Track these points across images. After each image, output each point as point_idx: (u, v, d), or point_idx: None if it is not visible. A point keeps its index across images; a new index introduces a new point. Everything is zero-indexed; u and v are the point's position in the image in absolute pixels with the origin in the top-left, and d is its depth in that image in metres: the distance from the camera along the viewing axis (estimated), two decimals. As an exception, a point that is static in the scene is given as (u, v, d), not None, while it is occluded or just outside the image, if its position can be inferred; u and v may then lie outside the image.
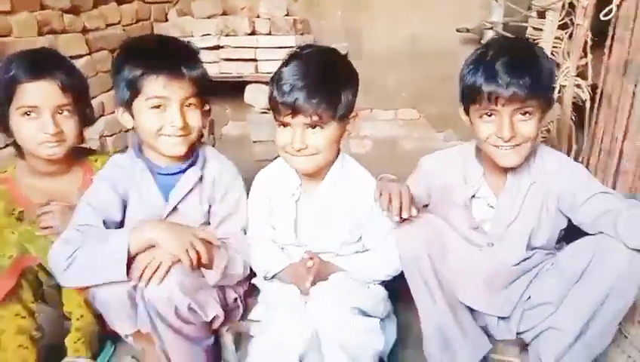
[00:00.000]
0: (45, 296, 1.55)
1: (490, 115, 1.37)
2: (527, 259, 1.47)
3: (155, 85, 1.30)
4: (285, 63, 1.35)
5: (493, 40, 2.07)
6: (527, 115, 1.34)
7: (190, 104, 1.36)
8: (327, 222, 1.48)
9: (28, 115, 1.42)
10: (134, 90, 1.33)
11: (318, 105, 1.28)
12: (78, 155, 1.61)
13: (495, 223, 1.48)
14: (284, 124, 1.34)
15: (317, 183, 1.47)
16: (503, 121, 1.33)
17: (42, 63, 1.43)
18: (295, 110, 1.28)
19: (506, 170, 1.46)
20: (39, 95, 1.41)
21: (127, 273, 1.24)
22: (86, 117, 1.56)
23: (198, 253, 1.27)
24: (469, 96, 1.39)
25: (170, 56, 1.33)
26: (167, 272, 1.24)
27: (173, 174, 1.45)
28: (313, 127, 1.32)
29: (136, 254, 1.25)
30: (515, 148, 1.36)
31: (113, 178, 1.43)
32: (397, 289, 1.51)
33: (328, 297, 1.35)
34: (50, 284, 1.48)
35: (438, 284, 1.37)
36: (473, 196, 1.51)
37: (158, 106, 1.33)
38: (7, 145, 1.85)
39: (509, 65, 1.31)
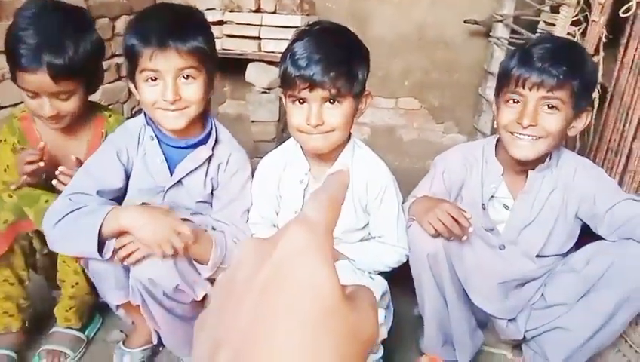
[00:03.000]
0: (37, 265, 1.51)
1: (516, 101, 1.33)
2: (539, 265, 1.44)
3: (145, 58, 1.25)
4: (297, 39, 1.30)
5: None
6: (554, 108, 1.29)
7: (188, 76, 1.29)
8: None
9: (31, 97, 1.36)
10: (131, 62, 1.29)
11: (336, 78, 1.24)
12: (93, 109, 1.57)
13: (508, 226, 1.45)
14: (300, 100, 1.29)
15: (327, 166, 1.41)
16: (526, 107, 1.29)
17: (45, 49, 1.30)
18: (313, 84, 1.24)
19: (526, 172, 1.41)
20: (35, 84, 1.33)
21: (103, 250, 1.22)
22: (97, 80, 1.52)
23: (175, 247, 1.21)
24: (501, 82, 1.36)
25: (160, 28, 1.26)
26: (143, 257, 1.22)
27: (180, 148, 1.40)
28: (331, 102, 1.28)
29: (112, 236, 1.22)
30: (533, 141, 1.31)
31: (120, 143, 1.39)
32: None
33: None
34: (44, 253, 1.44)
35: (451, 281, 1.33)
36: (492, 196, 1.46)
37: (153, 79, 1.28)
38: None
39: (546, 52, 1.28)
